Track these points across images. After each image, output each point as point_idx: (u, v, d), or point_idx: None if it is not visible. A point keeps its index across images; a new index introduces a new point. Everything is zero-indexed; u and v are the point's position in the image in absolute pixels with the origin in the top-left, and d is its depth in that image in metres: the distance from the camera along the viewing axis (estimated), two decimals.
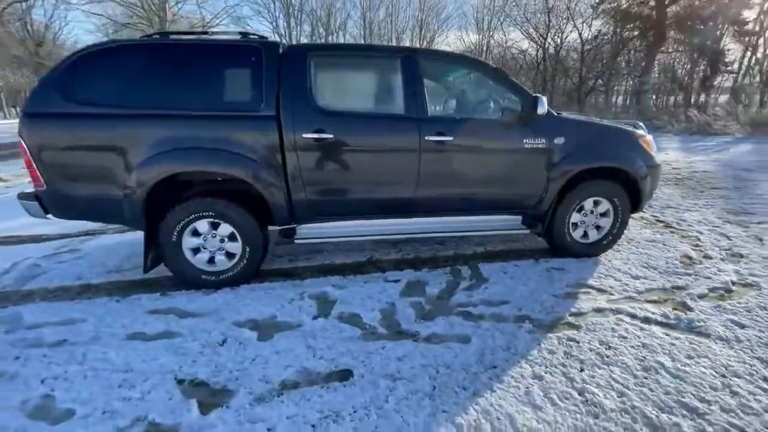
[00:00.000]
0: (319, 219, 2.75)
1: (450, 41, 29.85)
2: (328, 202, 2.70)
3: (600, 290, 2.62)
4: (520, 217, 3.05)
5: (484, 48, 29.67)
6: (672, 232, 3.76)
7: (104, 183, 2.42)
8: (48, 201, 2.44)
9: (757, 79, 22.92)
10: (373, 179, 2.70)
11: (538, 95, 2.62)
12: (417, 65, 2.65)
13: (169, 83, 2.44)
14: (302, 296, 2.55)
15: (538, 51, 26.86)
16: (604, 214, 3.07)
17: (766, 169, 6.96)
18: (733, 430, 1.52)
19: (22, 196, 2.49)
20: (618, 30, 21.16)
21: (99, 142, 2.36)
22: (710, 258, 3.12)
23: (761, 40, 21.75)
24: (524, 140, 2.77)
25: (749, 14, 18.69)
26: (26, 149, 2.31)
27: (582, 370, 1.85)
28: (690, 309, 2.38)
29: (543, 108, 2.60)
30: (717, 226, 3.88)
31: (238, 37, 2.63)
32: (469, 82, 2.90)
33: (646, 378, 1.80)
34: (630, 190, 3.01)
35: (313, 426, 1.55)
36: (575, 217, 3.02)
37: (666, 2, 17.82)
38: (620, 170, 2.93)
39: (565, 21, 24.42)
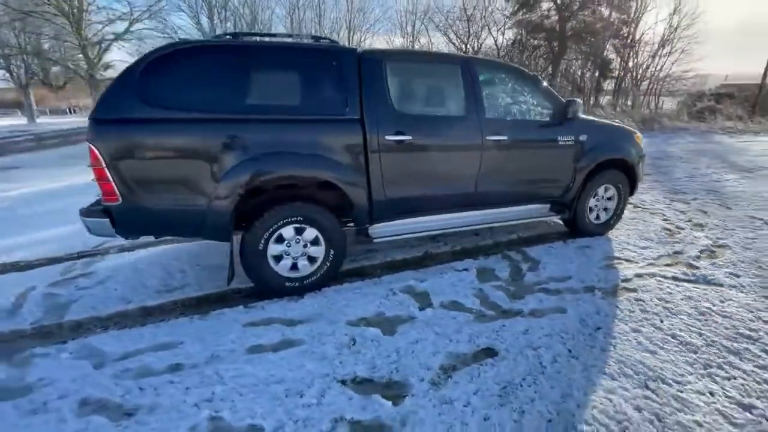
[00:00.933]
0: (394, 217, 2.87)
1: (378, 44, 30.52)
2: (404, 200, 2.82)
3: (627, 260, 3.18)
4: (549, 205, 3.50)
5: None
6: (642, 210, 4.59)
7: (188, 194, 2.25)
8: (122, 217, 2.18)
9: (630, 84, 27.70)
10: (442, 177, 2.90)
11: (575, 99, 3.08)
12: (474, 71, 2.92)
13: (256, 86, 2.35)
14: (393, 292, 2.65)
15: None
16: (610, 198, 3.67)
17: (669, 158, 8.62)
18: None
19: (88, 213, 2.18)
20: (528, 39, 23.80)
21: (185, 149, 2.19)
22: (682, 228, 3.93)
23: (632, 52, 26.31)
24: (559, 138, 3.21)
25: (626, 30, 22.53)
26: (100, 159, 2.05)
27: (662, 321, 2.31)
28: (697, 267, 3.04)
29: (580, 110, 3.07)
30: (669, 204, 4.83)
31: (310, 41, 2.62)
32: (513, 87, 3.25)
33: (706, 320, 2.32)
34: (628, 177, 3.65)
35: (500, 396, 1.74)
36: (591, 202, 3.57)
37: (566, 18, 20.66)
38: (624, 161, 3.54)
39: (481, 29, 26.66)
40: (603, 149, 3.41)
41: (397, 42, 31.63)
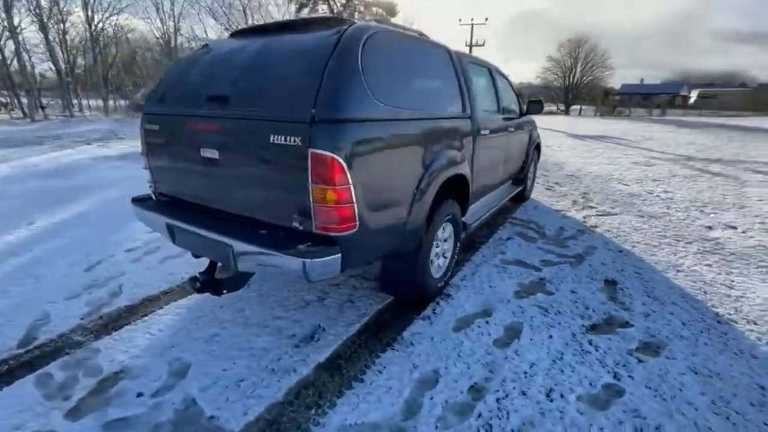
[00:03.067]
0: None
1: (134, 25, 24.66)
2: (479, 190, 3.16)
3: (563, 210, 4.65)
4: (511, 181, 4.56)
5: (171, 37, 26.43)
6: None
7: (400, 204, 1.92)
8: (354, 248, 1.64)
9: None
10: (494, 164, 3.40)
11: (541, 99, 4.17)
12: (494, 74, 3.52)
13: (433, 83, 2.17)
14: (498, 267, 3.03)
15: None
16: (530, 171, 5.10)
17: None
18: (675, 227, 3.85)
19: (311, 253, 1.49)
20: None
21: (408, 153, 1.86)
22: (553, 187, 5.88)
23: None
24: (525, 126, 4.26)
25: None
26: (347, 175, 1.50)
27: (632, 236, 3.73)
28: (595, 207, 4.81)
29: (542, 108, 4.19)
30: None
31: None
32: (505, 87, 3.98)
33: (643, 231, 3.91)
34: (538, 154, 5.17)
35: (653, 299, 2.57)
36: (529, 175, 4.88)
37: None
38: (539, 143, 5.00)
39: (255, 21, 25.90)
40: (535, 136, 4.74)
41: (157, 26, 26.58)
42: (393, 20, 27.15)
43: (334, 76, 1.55)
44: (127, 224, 3.87)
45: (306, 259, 1.53)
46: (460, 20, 29.35)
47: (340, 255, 1.61)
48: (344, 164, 1.52)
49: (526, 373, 1.90)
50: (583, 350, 2.07)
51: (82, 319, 2.36)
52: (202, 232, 1.80)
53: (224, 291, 1.96)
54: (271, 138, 1.58)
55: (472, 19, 28.21)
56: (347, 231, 1.61)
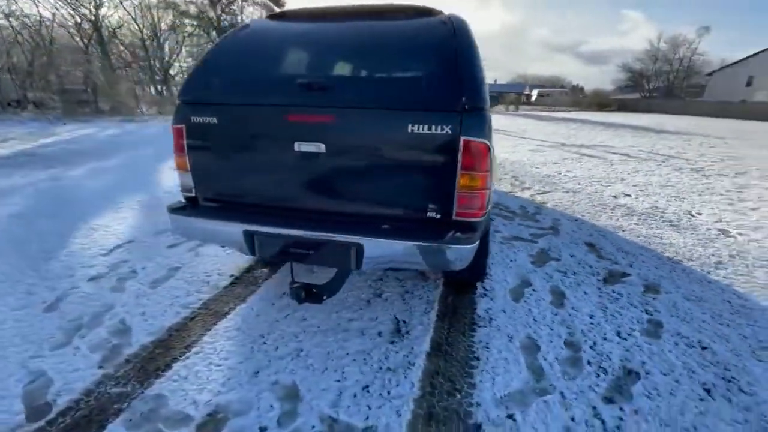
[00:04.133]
0: None
1: None
2: None
3: (511, 191, 5.34)
4: None
5: None
6: None
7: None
8: (482, 233, 1.70)
9: None
10: None
11: (495, 94, 4.65)
12: None
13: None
14: (508, 243, 3.39)
15: (80, 25, 22.13)
16: None
17: None
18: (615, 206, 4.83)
19: (463, 239, 1.48)
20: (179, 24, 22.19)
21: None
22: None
23: None
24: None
25: None
26: (491, 162, 1.56)
27: (577, 207, 4.54)
28: (530, 188, 5.64)
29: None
30: None
31: None
32: None
33: (590, 201, 4.78)
34: None
35: (628, 253, 3.25)
36: None
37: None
38: None
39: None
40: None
41: None
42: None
43: (469, 65, 1.59)
44: (59, 249, 3.06)
45: (462, 246, 1.55)
46: None
47: (479, 241, 1.67)
48: (491, 149, 1.58)
49: (592, 323, 2.25)
50: (614, 298, 2.53)
51: (100, 367, 1.86)
52: (316, 234, 1.63)
53: (324, 297, 1.80)
54: (410, 128, 1.54)
55: None
56: (482, 216, 1.68)
